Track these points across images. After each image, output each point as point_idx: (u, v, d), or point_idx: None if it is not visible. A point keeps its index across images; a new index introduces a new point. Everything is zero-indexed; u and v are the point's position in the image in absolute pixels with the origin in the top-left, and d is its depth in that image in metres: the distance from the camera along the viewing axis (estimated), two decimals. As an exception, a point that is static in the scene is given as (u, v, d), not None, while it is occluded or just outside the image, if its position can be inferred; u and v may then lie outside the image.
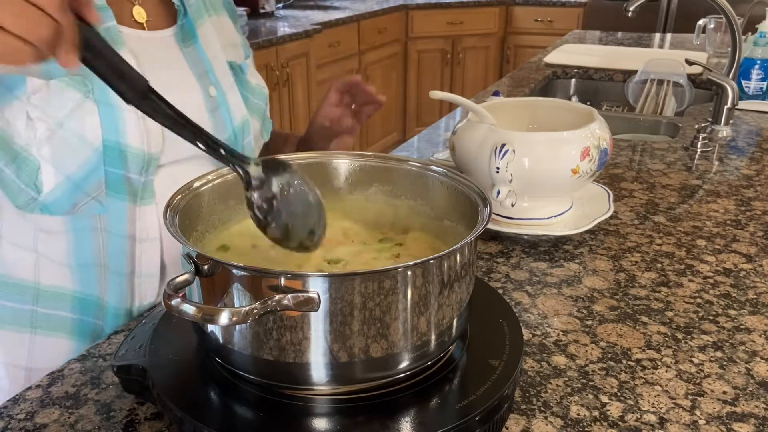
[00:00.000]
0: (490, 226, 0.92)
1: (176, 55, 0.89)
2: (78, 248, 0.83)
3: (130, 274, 0.85)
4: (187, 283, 0.51)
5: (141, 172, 0.81)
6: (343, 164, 0.73)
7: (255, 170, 0.58)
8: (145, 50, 0.84)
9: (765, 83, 1.76)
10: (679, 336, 0.73)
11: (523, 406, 0.62)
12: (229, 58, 0.95)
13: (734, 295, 0.82)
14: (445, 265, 0.54)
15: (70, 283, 0.85)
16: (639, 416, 0.61)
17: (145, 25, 0.87)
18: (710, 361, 0.69)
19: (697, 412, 0.62)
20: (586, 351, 0.71)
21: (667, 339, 0.73)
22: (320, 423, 0.53)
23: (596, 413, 0.61)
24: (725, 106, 1.48)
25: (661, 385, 0.65)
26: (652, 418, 0.61)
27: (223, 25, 0.98)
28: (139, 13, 0.86)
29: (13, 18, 0.47)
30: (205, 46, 0.91)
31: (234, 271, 0.51)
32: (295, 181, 0.60)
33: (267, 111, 1.03)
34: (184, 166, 0.86)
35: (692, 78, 1.93)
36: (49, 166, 0.75)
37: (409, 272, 0.52)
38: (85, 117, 0.75)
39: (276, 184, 0.59)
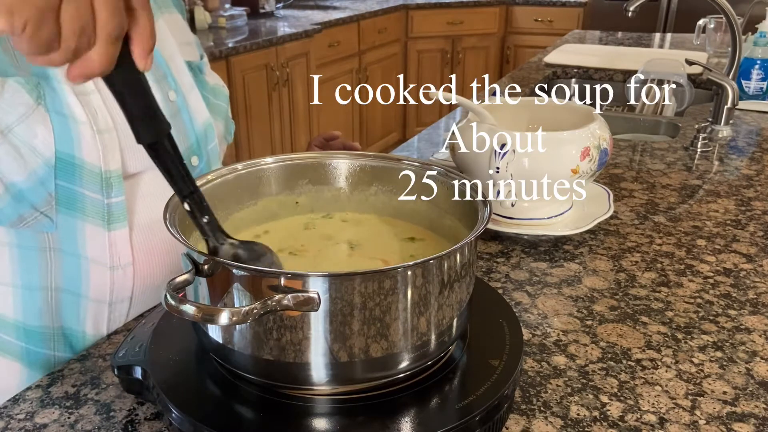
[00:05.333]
0: (490, 226, 0.92)
1: None
2: (23, 268, 0.75)
3: (99, 301, 0.78)
4: (187, 283, 0.51)
5: (101, 191, 0.74)
6: (343, 164, 0.73)
7: (225, 250, 0.55)
8: None
9: (765, 83, 1.76)
10: (679, 336, 0.73)
11: (523, 406, 0.62)
12: (186, 58, 0.90)
13: (734, 295, 0.82)
14: (445, 265, 0.54)
15: (11, 310, 0.77)
16: (639, 416, 0.61)
17: None
18: (710, 361, 0.69)
19: (697, 412, 0.62)
20: (586, 351, 0.71)
21: (667, 339, 0.73)
22: (320, 423, 0.53)
23: (596, 413, 0.61)
24: (725, 106, 1.48)
25: (661, 385, 0.65)
26: (652, 418, 0.61)
27: (176, 23, 0.93)
28: None
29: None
30: (161, 47, 0.85)
31: (234, 271, 0.51)
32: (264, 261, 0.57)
33: (229, 112, 1.00)
34: (143, 177, 0.81)
35: (692, 78, 1.93)
36: None
37: (409, 272, 0.52)
38: (35, 125, 0.69)
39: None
